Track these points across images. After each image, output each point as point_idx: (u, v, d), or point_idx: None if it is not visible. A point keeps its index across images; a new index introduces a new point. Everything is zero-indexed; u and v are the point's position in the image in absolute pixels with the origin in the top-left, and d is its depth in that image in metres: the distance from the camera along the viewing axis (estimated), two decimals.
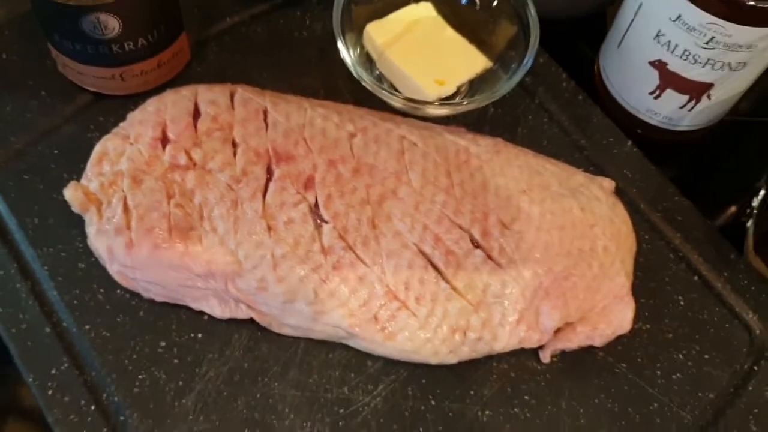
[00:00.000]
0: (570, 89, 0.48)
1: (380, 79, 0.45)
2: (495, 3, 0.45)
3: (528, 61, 0.42)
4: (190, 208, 0.38)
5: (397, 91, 0.44)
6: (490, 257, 0.38)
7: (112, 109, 0.44)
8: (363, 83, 0.42)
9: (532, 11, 0.44)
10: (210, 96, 0.41)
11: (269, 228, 0.37)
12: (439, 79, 0.43)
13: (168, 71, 0.44)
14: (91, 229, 0.38)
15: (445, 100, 0.43)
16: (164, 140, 0.40)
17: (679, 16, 0.39)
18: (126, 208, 0.37)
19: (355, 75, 0.42)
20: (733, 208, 0.49)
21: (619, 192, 0.44)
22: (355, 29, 0.45)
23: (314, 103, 0.42)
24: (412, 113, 0.43)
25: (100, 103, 0.44)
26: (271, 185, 0.38)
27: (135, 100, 0.44)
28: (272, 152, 0.39)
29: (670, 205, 0.45)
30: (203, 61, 0.46)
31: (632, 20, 0.43)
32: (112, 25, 0.39)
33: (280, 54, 0.47)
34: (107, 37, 0.40)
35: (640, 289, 0.41)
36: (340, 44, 0.43)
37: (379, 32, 0.44)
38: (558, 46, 0.48)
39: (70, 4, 0.37)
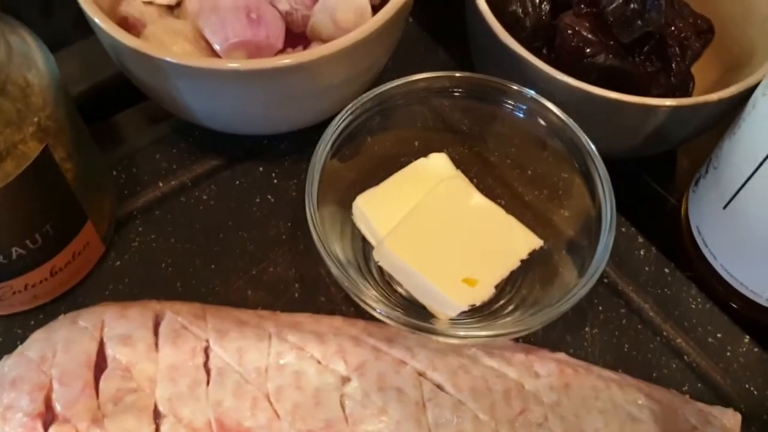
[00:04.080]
0: (651, 259, 0.34)
1: (380, 271, 0.31)
2: (546, 154, 0.31)
3: (604, 252, 0.27)
4: None
5: (403, 292, 0.30)
6: None
7: None
8: (349, 292, 0.27)
9: (599, 163, 0.30)
10: (122, 329, 0.27)
11: None
12: (468, 277, 0.29)
13: (68, 277, 0.30)
14: None
15: (479, 314, 0.29)
16: (48, 414, 0.25)
17: None
18: None
19: (335, 276, 0.27)
20: None
21: (745, 420, 0.30)
22: (338, 201, 0.31)
23: (282, 323, 0.28)
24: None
25: None
26: None
27: (20, 319, 0.30)
28: (216, 426, 0.25)
29: None
30: (124, 248, 0.32)
31: (751, 176, 0.29)
32: None
33: (235, 230, 0.33)
34: None
35: None
36: (312, 229, 0.28)
37: (373, 207, 0.30)
38: (618, 187, 0.34)
39: None
